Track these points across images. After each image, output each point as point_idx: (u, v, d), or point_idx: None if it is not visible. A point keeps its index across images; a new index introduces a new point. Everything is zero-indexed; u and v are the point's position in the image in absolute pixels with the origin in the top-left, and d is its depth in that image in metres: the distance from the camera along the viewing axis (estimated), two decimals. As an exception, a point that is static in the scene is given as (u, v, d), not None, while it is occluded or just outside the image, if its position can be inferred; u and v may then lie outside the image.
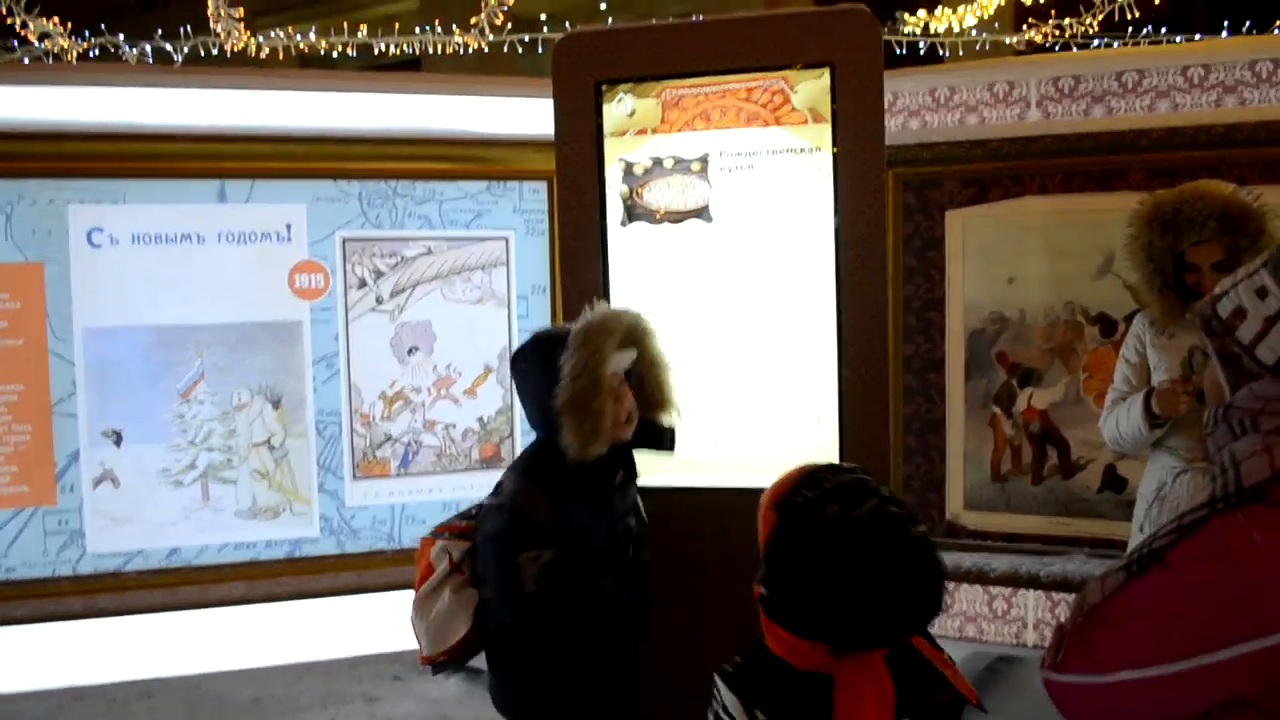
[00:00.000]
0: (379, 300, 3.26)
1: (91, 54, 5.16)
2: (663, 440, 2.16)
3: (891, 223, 3.23)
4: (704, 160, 2.65)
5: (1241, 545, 1.10)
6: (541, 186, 3.33)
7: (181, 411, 3.09)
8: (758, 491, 2.20)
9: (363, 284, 3.24)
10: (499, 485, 1.91)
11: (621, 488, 2.03)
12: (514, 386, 2.03)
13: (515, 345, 3.28)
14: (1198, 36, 4.41)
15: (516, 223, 3.36)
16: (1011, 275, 3.22)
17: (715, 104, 2.63)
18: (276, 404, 3.18)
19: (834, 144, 2.55)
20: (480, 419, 3.35)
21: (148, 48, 4.80)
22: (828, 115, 2.56)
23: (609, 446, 1.90)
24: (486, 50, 4.79)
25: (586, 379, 1.83)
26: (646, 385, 2.03)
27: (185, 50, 4.89)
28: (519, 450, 2.98)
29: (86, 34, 5.08)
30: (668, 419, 2.11)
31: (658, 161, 2.68)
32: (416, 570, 1.94)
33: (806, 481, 1.32)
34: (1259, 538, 1.09)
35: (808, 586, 1.26)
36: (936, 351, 3.33)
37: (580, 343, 1.85)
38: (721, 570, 2.50)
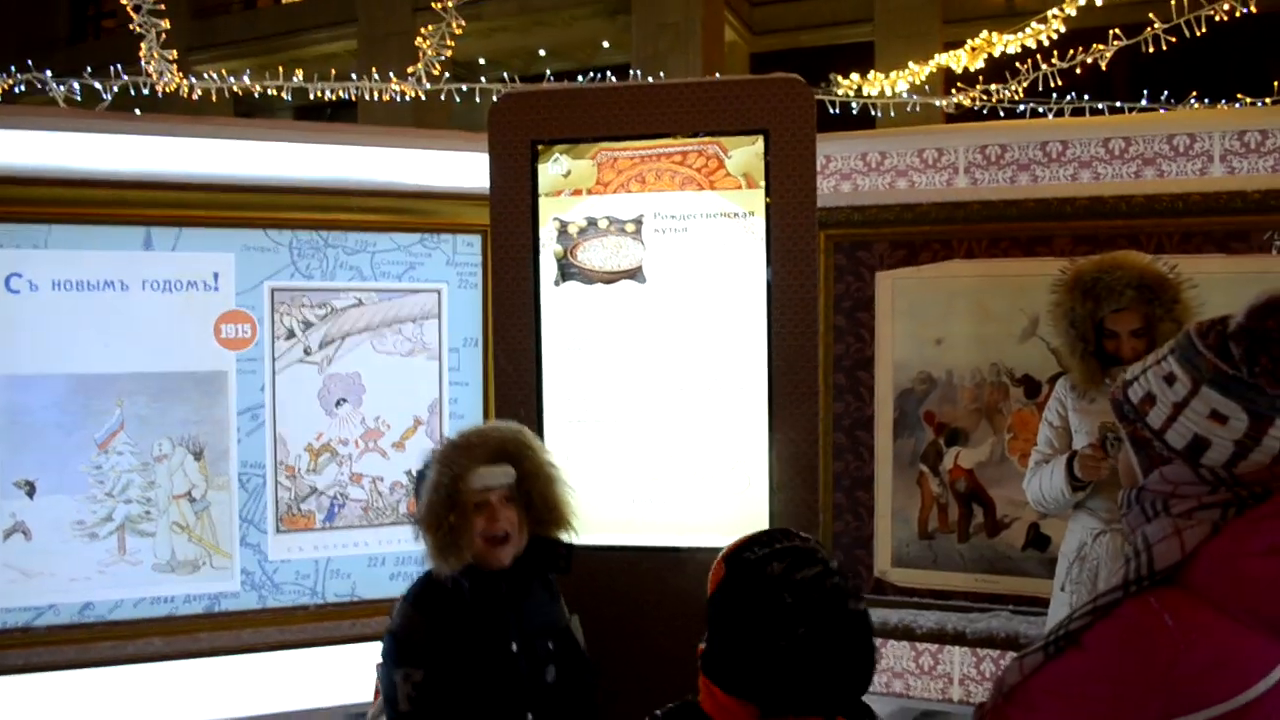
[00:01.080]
0: (307, 351, 3.21)
1: (17, 89, 5.04)
2: (555, 559, 2.07)
3: (823, 283, 3.29)
4: (638, 221, 2.69)
5: (1154, 628, 1.12)
6: (476, 240, 3.33)
7: (99, 462, 3.00)
8: (691, 550, 2.44)
9: (291, 334, 3.19)
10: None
11: (534, 607, 2.00)
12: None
13: (446, 397, 3.25)
14: (1119, 103, 4.56)
15: (449, 275, 3.34)
16: (939, 336, 3.28)
17: (650, 166, 2.67)
18: (199, 455, 3.11)
19: (767, 206, 2.62)
20: (409, 472, 3.25)
21: (75, 85, 4.67)
22: (761, 180, 2.63)
23: (488, 564, 1.93)
24: (424, 97, 4.77)
25: (437, 495, 1.88)
26: (533, 501, 2.00)
27: (115, 88, 4.78)
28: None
29: (12, 69, 4.95)
30: (561, 535, 2.04)
31: (592, 221, 2.72)
32: None
33: (758, 540, 1.35)
34: (1170, 621, 1.11)
35: (741, 642, 1.27)
36: (866, 410, 3.37)
37: (437, 460, 1.91)
38: (653, 627, 2.56)
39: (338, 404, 3.24)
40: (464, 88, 4.71)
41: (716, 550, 2.47)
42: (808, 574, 1.27)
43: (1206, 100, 4.22)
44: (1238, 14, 4.50)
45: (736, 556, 1.34)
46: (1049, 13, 5.04)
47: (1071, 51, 4.90)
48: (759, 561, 1.31)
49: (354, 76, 4.79)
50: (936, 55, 5.56)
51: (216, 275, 3.12)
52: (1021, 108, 4.90)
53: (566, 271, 2.75)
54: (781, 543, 1.34)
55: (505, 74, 4.62)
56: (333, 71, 4.92)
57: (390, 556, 3.27)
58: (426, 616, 1.86)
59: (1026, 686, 1.19)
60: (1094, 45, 4.81)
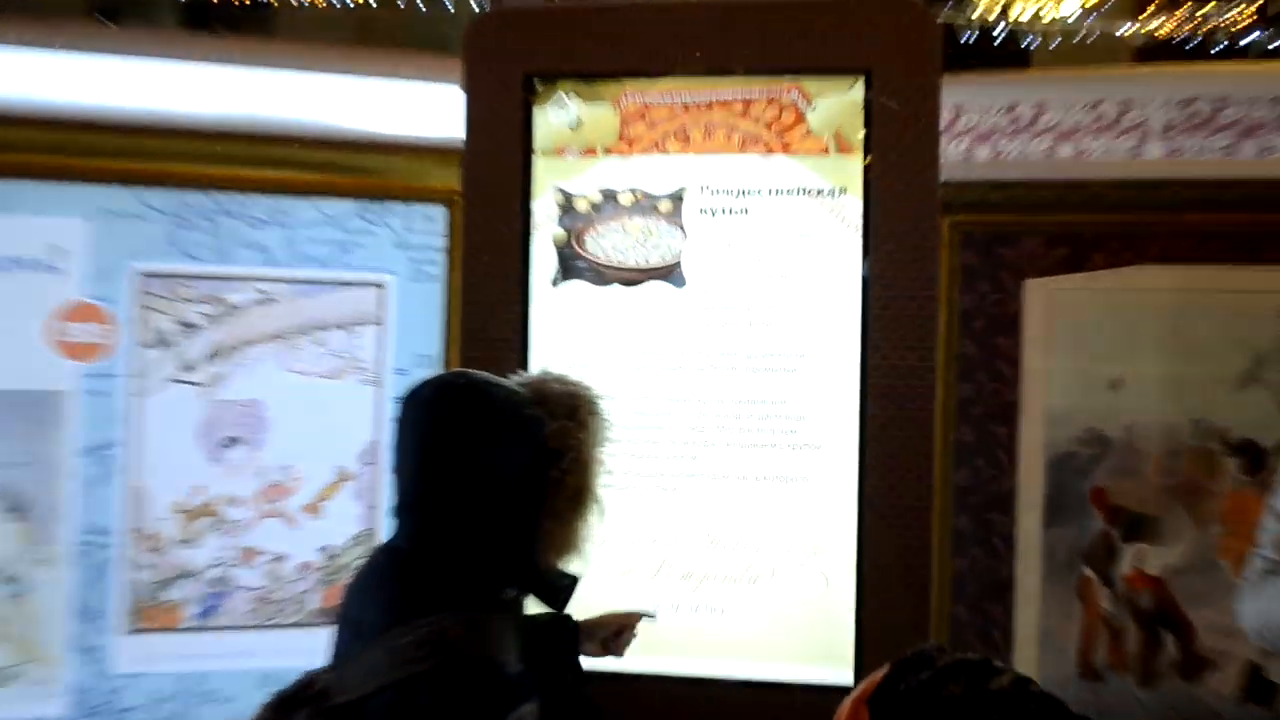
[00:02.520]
0: (186, 366, 3.22)
1: None
2: (558, 593, 2.21)
3: (945, 294, 3.24)
4: (677, 198, 2.74)
5: None
6: (439, 213, 3.34)
7: None
8: (751, 685, 2.69)
9: (164, 341, 3.18)
10: (418, 638, 1.83)
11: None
12: (442, 456, 2.00)
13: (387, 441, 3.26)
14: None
15: (399, 263, 3.34)
16: (1117, 377, 3.23)
17: (698, 119, 2.71)
18: (18, 513, 3.12)
19: (867, 179, 2.69)
20: (325, 549, 3.31)
21: None
22: (858, 142, 2.69)
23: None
24: (373, 3, 4.76)
25: (599, 465, 2.07)
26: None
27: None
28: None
29: None
30: (574, 563, 2.17)
31: (610, 195, 2.77)
32: None
33: (901, 668, 1.37)
34: None
35: None
36: (1003, 482, 3.33)
37: (591, 413, 2.09)
38: None
39: (227, 445, 3.24)
40: (427, -7, 4.66)
41: (783, 687, 2.67)
42: (1002, 683, 1.30)
43: None
44: None
45: (886, 695, 1.35)
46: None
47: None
48: (925, 689, 1.33)
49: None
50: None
51: (57, 250, 3.12)
52: (1250, 37, 4.82)
53: (570, 266, 2.81)
54: (937, 659, 1.36)
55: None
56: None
57: (294, 674, 3.22)
58: (508, 621, 1.94)
59: None
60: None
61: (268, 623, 3.29)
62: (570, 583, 2.22)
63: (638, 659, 2.65)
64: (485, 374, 2.08)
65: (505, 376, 2.14)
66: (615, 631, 2.53)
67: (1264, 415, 3.12)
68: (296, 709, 1.86)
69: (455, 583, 1.90)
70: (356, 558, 3.27)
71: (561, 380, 2.11)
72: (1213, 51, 4.84)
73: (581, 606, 2.34)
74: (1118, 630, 3.27)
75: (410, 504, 1.97)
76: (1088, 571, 3.30)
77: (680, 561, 2.79)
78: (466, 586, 1.90)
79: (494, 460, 1.97)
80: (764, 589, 2.76)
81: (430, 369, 3.27)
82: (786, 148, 2.72)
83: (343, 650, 1.94)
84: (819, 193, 2.72)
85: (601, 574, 2.68)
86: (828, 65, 2.69)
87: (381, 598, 1.94)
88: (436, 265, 3.39)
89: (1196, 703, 3.19)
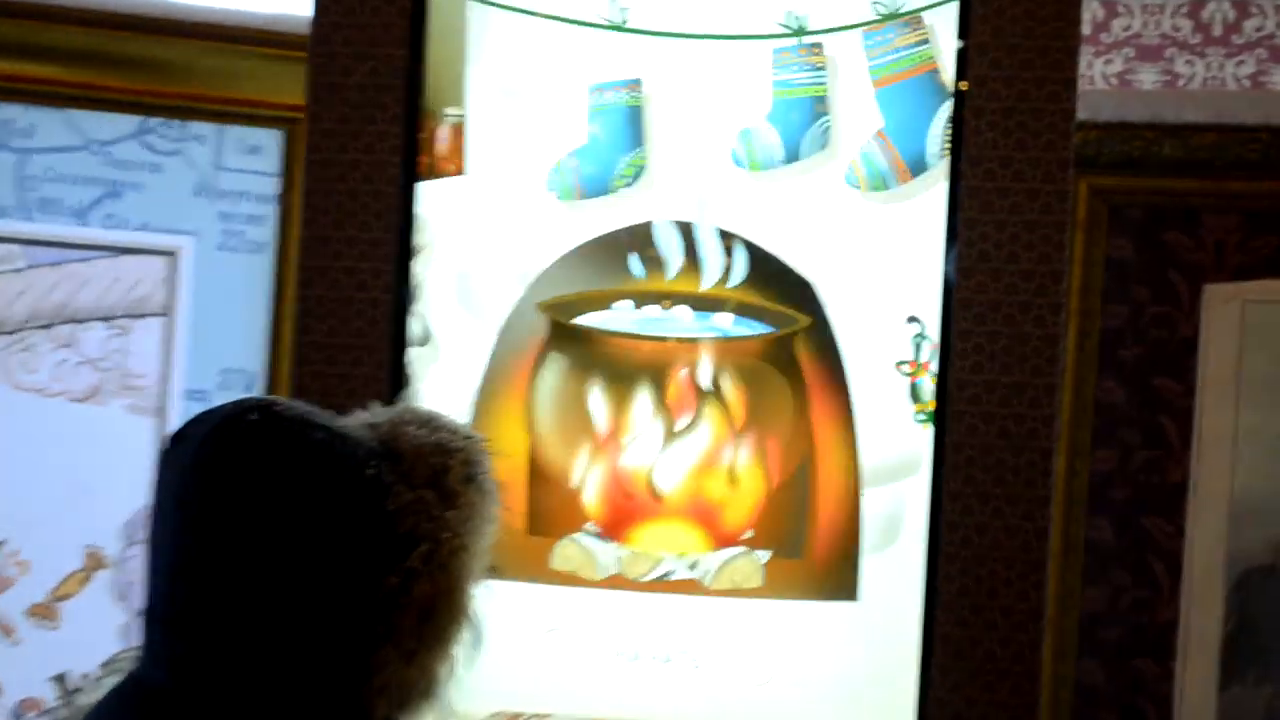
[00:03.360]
0: None
1: None
2: None
3: (1077, 303, 3.15)
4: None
5: None
6: (269, 140, 3.20)
7: None
8: None
9: None
10: None
11: None
12: (210, 543, 1.59)
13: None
14: None
15: (202, 218, 3.19)
16: None
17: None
18: None
19: (960, 110, 2.62)
20: (61, 679, 3.12)
21: None
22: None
23: None
24: None
25: (478, 555, 1.68)
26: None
27: None
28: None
29: None
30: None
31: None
32: None
33: None
34: None
35: None
36: (1161, 610, 3.17)
37: (470, 479, 1.67)
38: None
39: None
40: None
41: None
42: None
43: None
44: None
45: None
46: None
47: None
48: None
49: None
50: None
51: None
52: None
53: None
54: None
55: None
56: None
57: None
58: None
59: None
60: None
61: None
62: None
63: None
64: (303, 408, 1.64)
65: (346, 413, 1.70)
66: None
67: None
68: None
69: None
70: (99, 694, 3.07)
71: (431, 423, 1.67)
72: None
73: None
74: None
75: (167, 615, 1.60)
76: None
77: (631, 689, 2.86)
78: None
79: (298, 549, 1.57)
80: None
81: (235, 393, 3.16)
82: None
83: None
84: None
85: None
86: None
87: None
88: (264, 225, 3.24)
89: None
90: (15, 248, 3.12)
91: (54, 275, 3.13)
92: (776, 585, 2.80)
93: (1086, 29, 2.93)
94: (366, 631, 1.58)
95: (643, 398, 2.84)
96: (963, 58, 2.62)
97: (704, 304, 2.84)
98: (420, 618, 1.60)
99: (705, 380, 2.84)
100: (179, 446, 1.59)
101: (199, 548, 1.56)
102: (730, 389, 2.84)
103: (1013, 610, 2.56)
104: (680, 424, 2.85)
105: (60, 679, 3.13)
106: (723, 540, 2.84)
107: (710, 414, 2.85)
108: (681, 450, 2.84)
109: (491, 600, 1.72)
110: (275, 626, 1.57)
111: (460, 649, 1.66)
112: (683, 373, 2.84)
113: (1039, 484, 2.58)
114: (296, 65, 2.82)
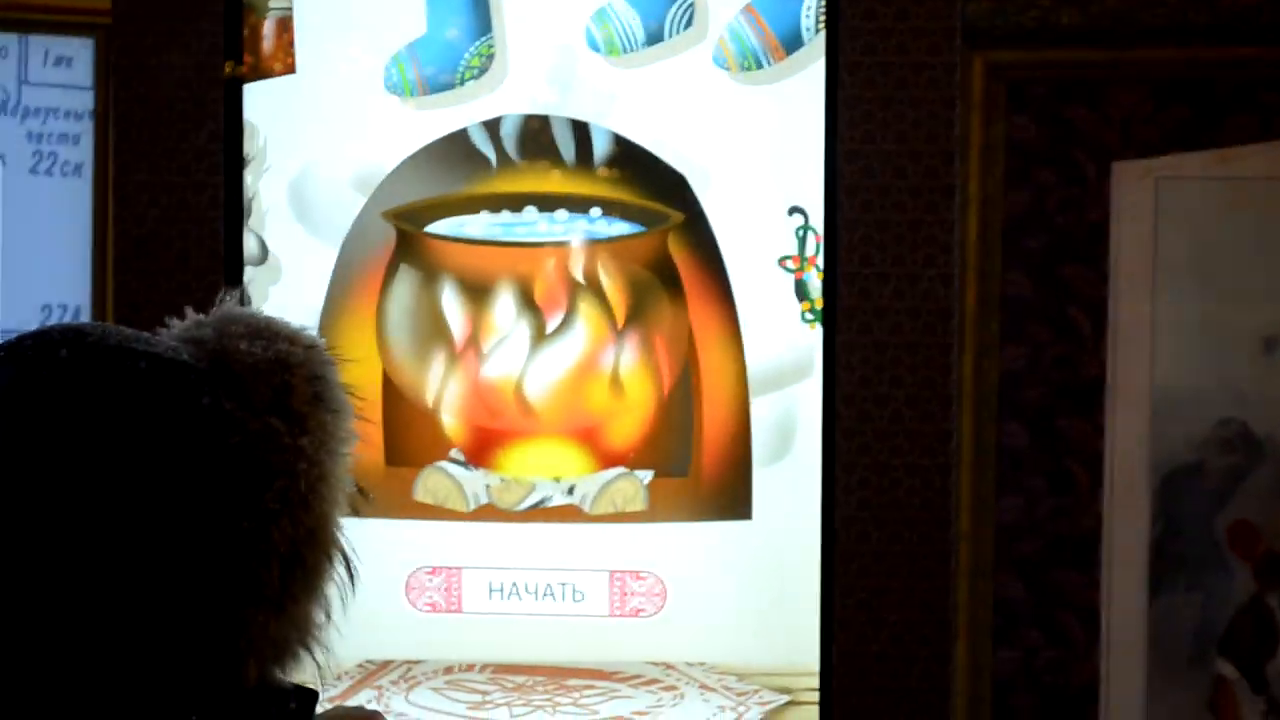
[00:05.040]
0: None
1: None
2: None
3: (976, 190, 2.86)
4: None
5: None
6: (80, 48, 2.89)
7: None
8: None
9: None
10: None
11: None
12: (23, 497, 1.20)
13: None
14: None
15: (8, 140, 2.89)
16: (1271, 331, 2.81)
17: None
18: None
19: None
20: None
21: None
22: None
23: None
24: None
25: (338, 486, 1.30)
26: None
27: None
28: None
29: None
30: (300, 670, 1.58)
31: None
32: None
33: None
34: None
35: None
36: (1080, 517, 2.90)
37: (317, 395, 1.30)
38: None
39: None
40: None
41: None
42: None
43: None
44: None
45: None
46: None
47: None
48: None
49: None
50: None
51: None
52: None
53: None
54: None
55: None
56: None
57: None
58: None
59: None
60: None
61: None
62: (300, 709, 1.62)
63: None
64: (118, 333, 1.27)
65: (157, 331, 1.32)
66: None
67: None
68: None
69: None
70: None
71: (264, 333, 1.29)
72: None
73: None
74: None
75: None
76: (1225, 668, 2.83)
77: (545, 647, 2.59)
78: None
79: (134, 508, 1.17)
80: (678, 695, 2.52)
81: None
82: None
83: None
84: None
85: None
86: None
87: None
88: (79, 145, 2.92)
89: None
90: None
91: None
92: (662, 507, 2.48)
93: None
94: (224, 588, 1.20)
95: (505, 300, 2.51)
96: None
97: (566, 204, 2.52)
98: (285, 564, 1.24)
99: (578, 274, 2.53)
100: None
101: (6, 510, 1.21)
102: (609, 284, 2.53)
103: (919, 522, 2.38)
104: (552, 324, 2.50)
105: None
106: (607, 460, 2.53)
107: (586, 311, 2.51)
108: (554, 355, 2.51)
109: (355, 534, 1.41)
110: (112, 599, 1.17)
111: (334, 590, 1.45)
112: (550, 263, 2.53)
113: (940, 383, 2.40)
114: None
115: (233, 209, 2.46)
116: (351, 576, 1.55)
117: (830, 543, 2.41)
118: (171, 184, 2.47)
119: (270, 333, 1.48)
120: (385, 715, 2.35)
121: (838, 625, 2.42)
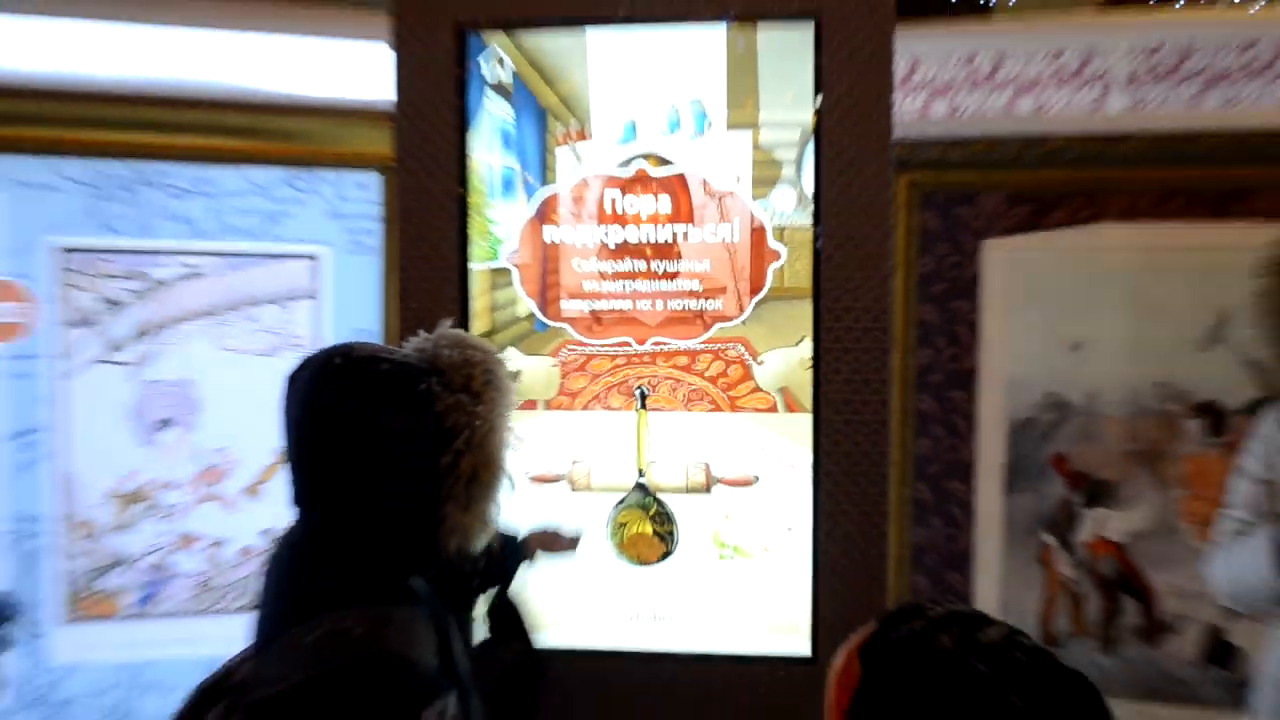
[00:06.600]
0: (113, 346, 3.17)
1: None
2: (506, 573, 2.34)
3: (902, 256, 3.28)
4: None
5: None
6: (372, 180, 3.31)
7: None
8: (711, 659, 2.71)
9: (87, 320, 3.15)
10: (312, 638, 1.68)
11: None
12: (328, 443, 1.77)
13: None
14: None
15: (333, 233, 3.30)
16: (1077, 339, 3.24)
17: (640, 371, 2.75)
18: (-61, 503, 3.10)
19: (816, 132, 2.62)
20: (266, 533, 3.24)
21: None
22: (807, 402, 2.69)
23: None
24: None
25: (504, 435, 1.87)
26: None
27: None
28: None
29: None
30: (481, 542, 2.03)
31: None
32: None
33: (892, 620, 1.36)
34: None
35: None
36: (962, 450, 3.35)
37: (491, 385, 1.86)
38: None
39: (159, 428, 3.20)
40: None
41: (741, 660, 2.69)
42: (993, 635, 1.28)
43: None
44: None
45: (881, 645, 1.34)
46: None
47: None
48: (916, 639, 1.31)
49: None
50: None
51: (-34, 226, 3.07)
52: (1218, -8, 4.68)
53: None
54: (929, 611, 1.35)
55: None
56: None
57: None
58: (425, 612, 1.79)
59: None
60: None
61: (210, 609, 3.26)
62: (515, 563, 2.32)
63: (589, 638, 2.71)
64: (373, 346, 1.85)
65: (403, 344, 1.93)
66: (552, 535, 2.57)
67: (1228, 376, 3.10)
68: (216, 700, 1.69)
69: (353, 577, 1.73)
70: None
71: (457, 343, 1.87)
72: (1180, 2, 4.68)
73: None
74: (1078, 597, 3.30)
75: (299, 495, 1.80)
76: (1048, 539, 3.33)
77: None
78: (366, 580, 1.73)
79: (379, 446, 1.75)
80: (716, 570, 2.74)
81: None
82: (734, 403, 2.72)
83: (259, 642, 1.76)
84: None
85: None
86: (776, 7, 2.60)
87: (283, 593, 1.79)
88: (373, 235, 3.34)
89: (1159, 668, 3.23)
90: (215, 259, 3.21)
91: (242, 274, 3.22)
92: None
93: (899, 77, 3.06)
94: (433, 495, 1.80)
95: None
96: (820, 119, 2.57)
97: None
98: (468, 481, 1.81)
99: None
100: (291, 380, 1.80)
101: (310, 448, 1.77)
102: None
103: (866, 453, 2.64)
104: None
105: (266, 533, 3.22)
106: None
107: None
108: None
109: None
110: (368, 495, 1.77)
111: (499, 500, 1.88)
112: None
113: (880, 369, 2.63)
114: (388, 130, 2.74)
115: (462, 273, 2.69)
116: (510, 487, 1.93)
117: (818, 461, 2.63)
118: (425, 260, 2.70)
119: (462, 343, 1.87)
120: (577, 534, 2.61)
121: (819, 507, 2.64)
